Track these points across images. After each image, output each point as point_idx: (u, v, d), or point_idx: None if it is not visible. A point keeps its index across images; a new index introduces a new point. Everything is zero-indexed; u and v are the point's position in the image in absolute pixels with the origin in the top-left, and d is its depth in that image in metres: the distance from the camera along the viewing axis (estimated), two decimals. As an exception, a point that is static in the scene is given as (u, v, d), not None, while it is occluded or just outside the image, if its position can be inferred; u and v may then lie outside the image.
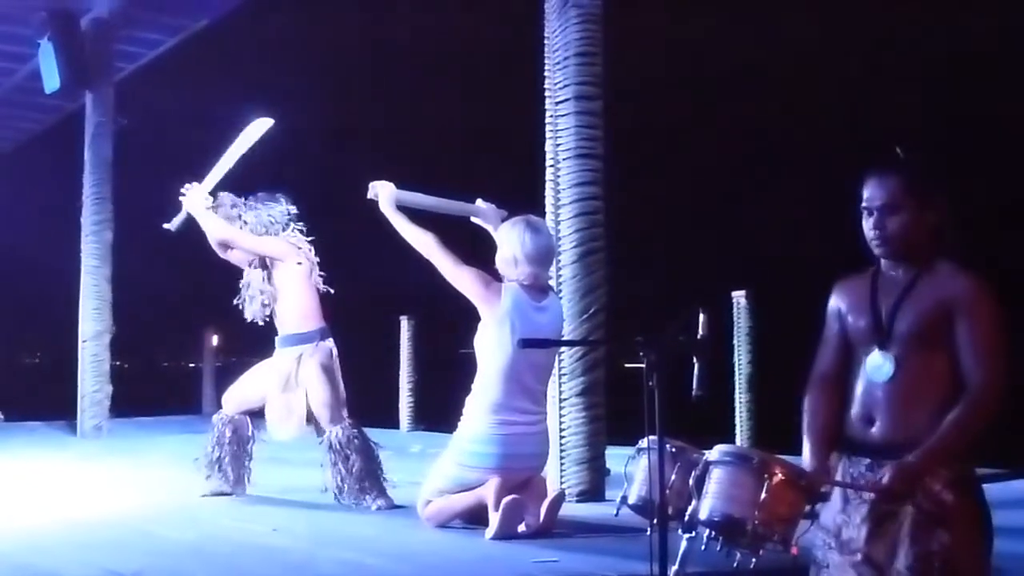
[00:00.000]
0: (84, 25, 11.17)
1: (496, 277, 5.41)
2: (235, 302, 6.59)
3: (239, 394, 6.56)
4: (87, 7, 11.13)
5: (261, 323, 6.51)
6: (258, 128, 6.69)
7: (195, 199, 6.55)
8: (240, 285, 6.59)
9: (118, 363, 12.42)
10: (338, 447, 6.16)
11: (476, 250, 5.63)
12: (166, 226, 6.67)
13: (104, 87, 11.40)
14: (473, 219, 5.87)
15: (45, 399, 13.99)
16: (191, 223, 6.65)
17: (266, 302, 6.44)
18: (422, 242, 5.52)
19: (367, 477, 6.13)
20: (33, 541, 5.24)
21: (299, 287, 6.44)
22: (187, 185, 6.61)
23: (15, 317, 16.41)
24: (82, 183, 11.27)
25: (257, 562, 4.81)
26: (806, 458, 3.10)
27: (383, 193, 5.68)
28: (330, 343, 6.45)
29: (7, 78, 13.03)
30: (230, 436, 6.47)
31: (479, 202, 5.87)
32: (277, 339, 6.49)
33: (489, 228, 5.78)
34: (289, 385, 6.35)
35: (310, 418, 6.35)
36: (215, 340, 15.28)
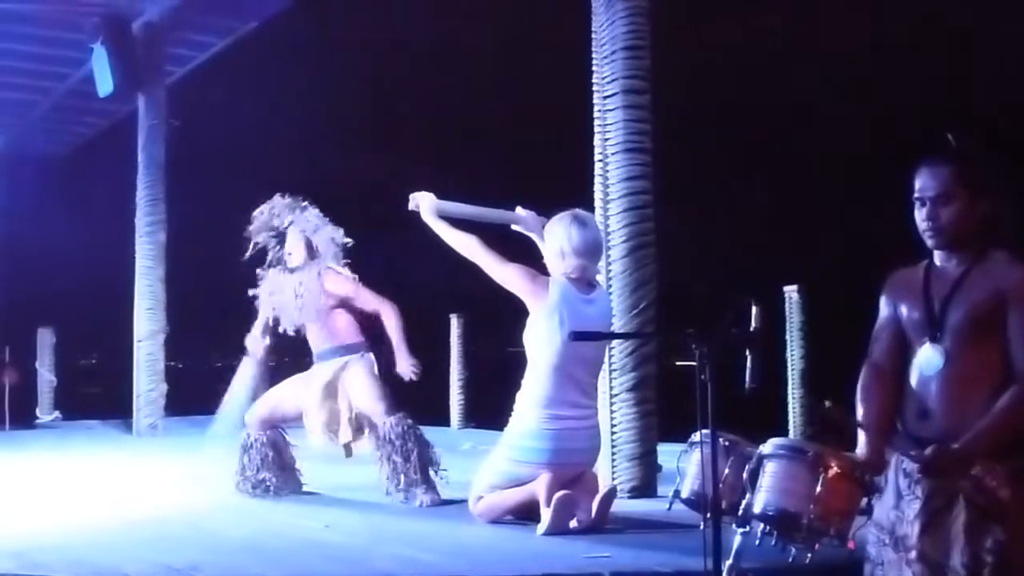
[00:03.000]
0: (136, 29, 11.28)
1: (544, 275, 5.42)
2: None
3: (268, 411, 6.55)
4: (139, 11, 11.24)
5: (292, 334, 6.59)
6: None
7: None
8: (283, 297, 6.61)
9: (172, 363, 12.54)
10: (392, 438, 6.16)
11: (520, 251, 5.65)
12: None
13: (156, 90, 11.51)
14: (514, 227, 5.89)
15: (101, 398, 14.17)
16: None
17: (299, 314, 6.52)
18: (466, 245, 5.55)
19: (420, 470, 6.14)
20: (91, 537, 5.30)
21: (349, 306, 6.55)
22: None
23: (71, 318, 16.59)
24: (135, 185, 11.39)
25: (311, 558, 4.84)
26: (861, 446, 3.07)
27: (424, 203, 5.72)
28: (371, 356, 6.53)
29: (61, 83, 13.19)
30: (272, 455, 6.51)
31: (519, 209, 5.88)
32: (320, 352, 6.54)
33: (532, 236, 5.80)
34: (332, 392, 6.42)
35: (356, 422, 6.36)
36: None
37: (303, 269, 6.55)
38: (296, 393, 6.51)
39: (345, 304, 6.52)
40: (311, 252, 6.57)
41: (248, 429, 6.55)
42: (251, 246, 6.66)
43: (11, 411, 14.11)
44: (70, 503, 6.44)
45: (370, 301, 6.49)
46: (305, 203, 6.67)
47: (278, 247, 6.64)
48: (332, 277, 6.52)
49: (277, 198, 6.66)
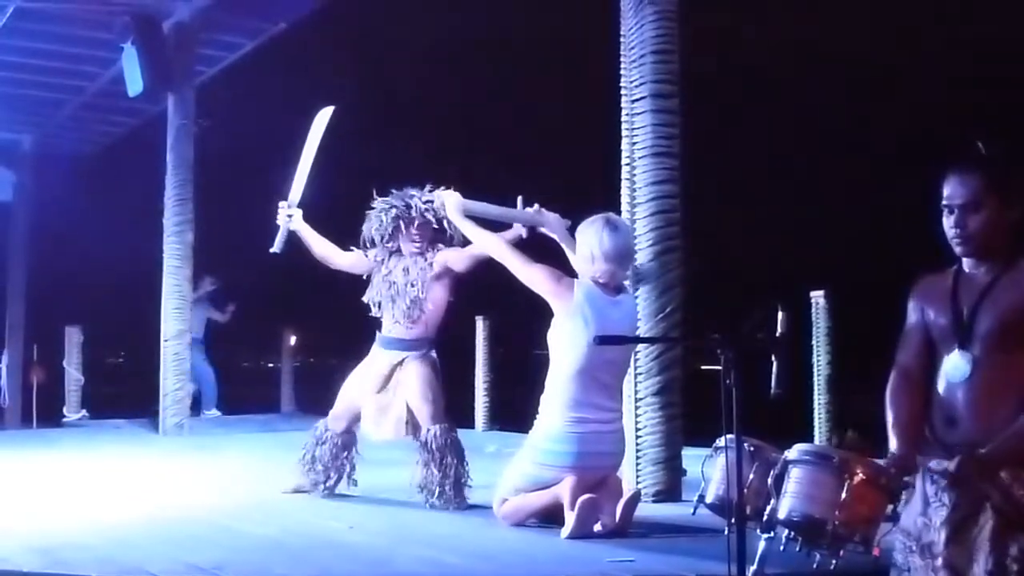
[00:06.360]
0: (166, 29, 11.35)
1: (571, 276, 5.42)
2: (370, 298, 6.47)
3: (345, 409, 6.49)
4: (169, 11, 11.32)
5: (376, 314, 6.42)
6: (322, 119, 6.69)
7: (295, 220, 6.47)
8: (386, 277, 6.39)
9: (199, 362, 12.59)
10: (434, 447, 6.10)
11: (545, 253, 5.65)
12: (272, 250, 6.56)
13: (185, 90, 11.57)
14: (537, 228, 5.89)
15: (128, 397, 14.26)
16: (293, 239, 6.60)
17: (410, 304, 6.33)
18: (491, 244, 5.56)
19: (454, 484, 6.09)
20: (117, 536, 5.33)
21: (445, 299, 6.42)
22: (282, 203, 6.53)
23: (99, 317, 16.71)
24: (163, 185, 11.45)
25: (336, 558, 4.85)
26: (892, 450, 3.05)
27: (449, 202, 5.74)
28: (434, 354, 6.44)
29: (91, 82, 13.30)
30: (345, 456, 6.50)
31: (542, 211, 5.88)
32: (385, 338, 6.40)
33: (554, 236, 5.80)
34: (386, 386, 6.36)
35: (407, 421, 6.34)
36: (293, 340, 15.43)
37: (418, 256, 6.34)
38: (359, 385, 6.45)
39: (442, 279, 6.32)
40: (435, 239, 6.35)
41: (327, 422, 6.54)
42: (373, 230, 6.39)
43: (39, 409, 14.24)
44: (96, 501, 6.47)
45: (462, 260, 6.20)
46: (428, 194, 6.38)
47: (398, 233, 6.35)
48: (442, 254, 6.31)
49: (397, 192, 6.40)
